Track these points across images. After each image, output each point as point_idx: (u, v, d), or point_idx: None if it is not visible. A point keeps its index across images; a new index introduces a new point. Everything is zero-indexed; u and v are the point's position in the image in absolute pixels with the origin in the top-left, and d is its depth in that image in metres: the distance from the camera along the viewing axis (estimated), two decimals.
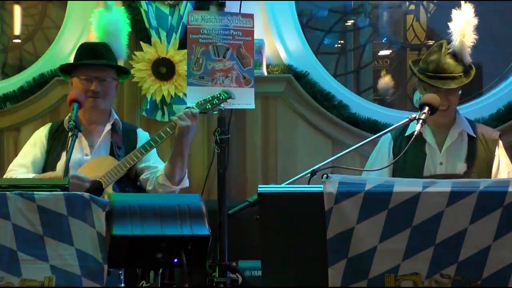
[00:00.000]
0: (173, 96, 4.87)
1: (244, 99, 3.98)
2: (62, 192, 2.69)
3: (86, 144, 3.68)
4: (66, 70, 3.81)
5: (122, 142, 3.67)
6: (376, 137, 3.30)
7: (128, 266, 2.84)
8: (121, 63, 4.23)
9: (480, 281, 2.40)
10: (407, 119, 3.21)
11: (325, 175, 2.45)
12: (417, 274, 2.41)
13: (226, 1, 3.98)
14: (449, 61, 3.56)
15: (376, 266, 2.42)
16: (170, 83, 4.85)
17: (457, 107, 3.74)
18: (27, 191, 2.66)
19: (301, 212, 2.48)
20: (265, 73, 5.04)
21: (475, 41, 3.59)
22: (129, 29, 3.82)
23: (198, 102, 3.71)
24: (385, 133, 3.33)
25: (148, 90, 4.86)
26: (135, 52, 4.88)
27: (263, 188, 2.50)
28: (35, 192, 2.66)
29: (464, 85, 3.59)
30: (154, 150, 3.77)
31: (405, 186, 2.44)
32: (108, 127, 3.71)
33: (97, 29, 3.80)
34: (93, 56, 3.68)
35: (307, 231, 2.48)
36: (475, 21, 3.59)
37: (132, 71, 4.90)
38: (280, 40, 5.15)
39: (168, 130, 3.61)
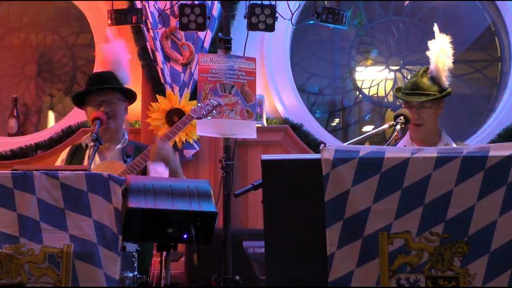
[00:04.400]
0: (184, 142, 4.80)
1: (247, 130, 3.91)
2: (83, 172, 2.58)
3: (98, 160, 3.54)
4: (80, 102, 3.67)
5: (133, 153, 3.52)
6: (359, 139, 3.21)
7: (141, 240, 2.67)
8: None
9: (466, 238, 2.24)
10: (387, 126, 3.18)
11: (322, 145, 2.33)
12: (408, 232, 2.26)
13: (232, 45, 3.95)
14: (425, 81, 3.51)
15: (370, 225, 2.27)
16: (181, 131, 4.78)
17: None
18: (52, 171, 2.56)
19: (301, 178, 2.35)
20: (265, 124, 5.01)
21: (451, 66, 3.53)
22: (129, 57, 3.73)
23: (194, 109, 3.56)
24: (366, 137, 3.25)
25: None
26: (151, 103, 4.86)
27: (266, 156, 2.38)
28: (59, 172, 2.55)
29: (431, 100, 3.47)
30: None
31: (395, 152, 2.33)
32: (119, 146, 3.58)
33: (101, 60, 3.73)
34: (99, 83, 3.58)
35: (307, 195, 2.34)
36: (449, 49, 3.55)
37: (148, 120, 4.88)
38: (278, 97, 5.15)
39: (175, 130, 3.44)
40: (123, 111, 3.62)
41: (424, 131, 3.47)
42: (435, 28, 3.60)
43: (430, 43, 3.55)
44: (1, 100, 5.66)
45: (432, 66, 3.51)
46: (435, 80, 3.50)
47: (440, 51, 3.49)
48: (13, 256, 2.43)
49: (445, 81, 3.50)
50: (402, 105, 3.59)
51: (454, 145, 3.49)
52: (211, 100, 3.55)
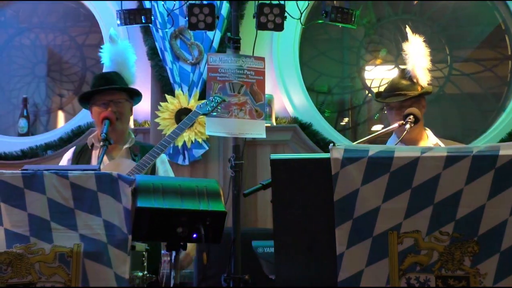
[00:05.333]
0: (193, 142, 4.81)
1: (256, 129, 3.91)
2: (93, 171, 2.58)
3: (106, 160, 3.52)
4: (86, 100, 3.65)
5: (139, 152, 3.52)
6: (365, 140, 3.21)
7: (151, 239, 2.67)
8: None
9: (476, 237, 2.23)
10: (397, 125, 3.18)
11: (331, 144, 2.33)
12: (418, 231, 2.25)
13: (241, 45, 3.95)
14: (404, 82, 3.50)
15: (379, 225, 2.26)
16: (190, 130, 4.79)
17: None
18: (62, 171, 2.57)
19: (310, 177, 2.35)
20: (274, 124, 5.01)
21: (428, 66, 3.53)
22: (135, 58, 3.73)
23: (199, 106, 3.55)
24: (375, 136, 3.25)
25: None
26: (160, 103, 4.87)
27: (275, 156, 2.38)
28: (69, 172, 2.56)
29: (408, 99, 3.44)
30: (169, 168, 3.64)
31: (405, 152, 2.32)
32: (127, 145, 3.58)
33: (107, 61, 3.73)
34: (106, 83, 3.56)
35: (316, 195, 2.34)
36: (424, 48, 3.54)
37: (157, 120, 4.88)
38: (287, 97, 5.14)
39: (182, 127, 3.43)
40: (128, 112, 3.62)
41: (409, 131, 3.34)
42: (408, 29, 3.62)
43: (405, 45, 3.56)
44: (12, 100, 5.69)
45: (408, 67, 3.51)
46: (413, 80, 3.49)
47: (415, 52, 3.50)
48: (23, 256, 2.44)
49: (424, 81, 3.49)
50: (384, 108, 3.59)
51: (443, 144, 3.46)
52: (215, 96, 3.55)
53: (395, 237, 2.26)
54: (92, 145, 3.59)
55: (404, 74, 3.53)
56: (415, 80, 3.49)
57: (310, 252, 2.34)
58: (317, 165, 2.35)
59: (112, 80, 3.57)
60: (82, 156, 3.59)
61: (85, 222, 2.49)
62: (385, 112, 3.63)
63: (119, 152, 3.56)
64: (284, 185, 2.36)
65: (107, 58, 3.70)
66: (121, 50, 3.69)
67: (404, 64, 5.43)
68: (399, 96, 3.45)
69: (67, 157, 3.66)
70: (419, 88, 3.50)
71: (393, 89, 3.51)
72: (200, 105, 3.54)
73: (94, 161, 3.51)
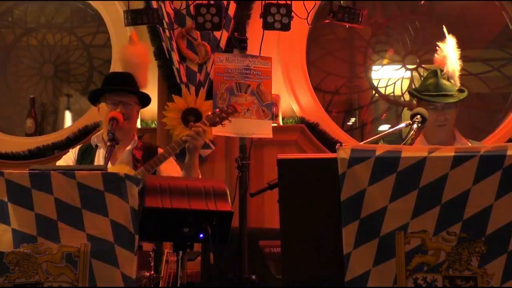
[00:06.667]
0: None
1: (263, 129, 3.91)
2: (100, 171, 2.59)
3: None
4: (94, 97, 3.69)
5: (142, 157, 3.53)
6: (376, 138, 3.21)
7: (158, 239, 2.69)
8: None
9: (484, 237, 2.23)
10: (404, 125, 3.19)
11: (338, 144, 2.33)
12: (425, 231, 2.25)
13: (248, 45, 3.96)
14: (446, 82, 3.59)
15: (387, 225, 2.26)
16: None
17: None
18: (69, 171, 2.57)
19: (317, 177, 2.35)
20: (281, 124, 5.01)
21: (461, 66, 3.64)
22: (151, 61, 3.74)
23: (208, 116, 3.57)
24: (382, 136, 3.26)
25: (178, 136, 4.79)
26: (167, 103, 4.88)
27: (282, 156, 2.38)
28: (76, 171, 2.57)
29: (459, 100, 3.56)
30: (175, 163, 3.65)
31: (412, 152, 2.32)
32: (129, 147, 3.59)
33: (122, 61, 3.73)
34: (118, 83, 3.59)
35: (323, 195, 2.34)
36: (457, 50, 3.63)
37: (164, 120, 4.89)
38: (294, 97, 5.14)
39: (181, 143, 3.44)
40: (136, 114, 3.66)
41: (445, 132, 3.52)
42: (444, 29, 3.65)
43: (442, 45, 3.59)
44: (19, 100, 5.71)
45: (447, 68, 3.58)
46: (450, 81, 3.56)
47: (452, 53, 3.55)
48: (31, 255, 2.45)
49: (458, 81, 3.57)
50: (417, 106, 3.59)
51: (470, 145, 3.50)
52: (227, 108, 3.52)
53: (402, 237, 2.26)
54: (96, 145, 3.60)
55: (441, 74, 3.59)
56: (452, 81, 3.57)
57: (317, 252, 2.35)
58: (324, 165, 2.35)
59: (125, 81, 3.59)
60: (86, 156, 3.60)
61: (92, 222, 2.50)
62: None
63: (122, 153, 3.57)
64: (291, 185, 2.37)
65: (123, 58, 3.72)
66: (139, 52, 3.70)
67: (411, 64, 5.46)
68: (446, 96, 3.51)
69: (69, 157, 3.65)
70: (456, 88, 3.60)
71: (438, 89, 3.55)
72: (210, 115, 3.53)
73: (97, 162, 3.53)
